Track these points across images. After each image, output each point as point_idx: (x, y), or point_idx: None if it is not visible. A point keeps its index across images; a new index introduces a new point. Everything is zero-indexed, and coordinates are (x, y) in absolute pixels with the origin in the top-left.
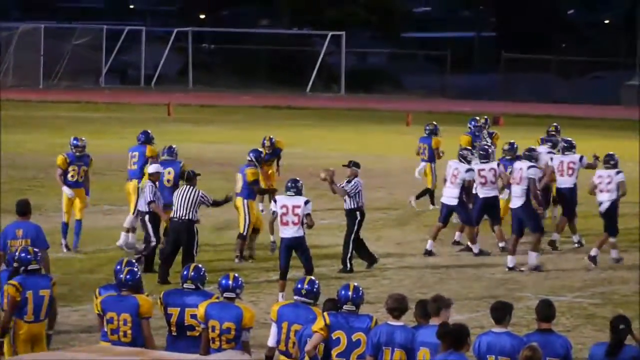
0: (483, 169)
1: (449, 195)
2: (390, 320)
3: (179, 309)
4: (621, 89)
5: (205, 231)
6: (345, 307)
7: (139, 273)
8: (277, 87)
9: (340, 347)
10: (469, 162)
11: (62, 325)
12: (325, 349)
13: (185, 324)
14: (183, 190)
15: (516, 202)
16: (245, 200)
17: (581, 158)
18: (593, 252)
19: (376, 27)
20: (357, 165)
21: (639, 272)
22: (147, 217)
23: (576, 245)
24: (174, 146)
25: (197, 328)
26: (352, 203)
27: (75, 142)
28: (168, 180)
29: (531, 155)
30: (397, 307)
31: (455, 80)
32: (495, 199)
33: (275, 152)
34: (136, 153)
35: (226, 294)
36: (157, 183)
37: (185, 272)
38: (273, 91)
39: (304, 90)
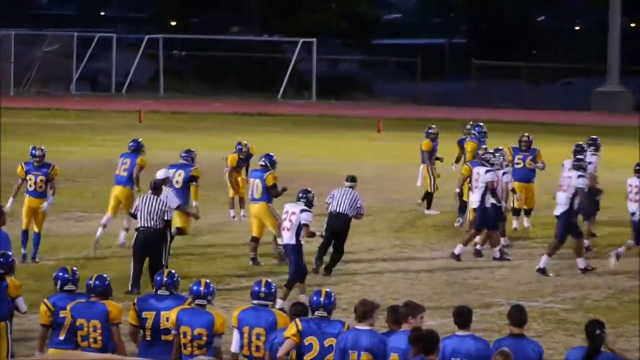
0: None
1: (474, 199)
2: (358, 324)
3: (154, 312)
4: (592, 95)
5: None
6: (317, 312)
7: (108, 279)
8: (249, 93)
9: (313, 353)
10: (492, 165)
11: (30, 332)
12: (298, 355)
13: (161, 327)
14: (147, 199)
15: (560, 209)
16: (269, 205)
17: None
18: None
19: (347, 34)
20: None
21: (607, 279)
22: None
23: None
24: (192, 149)
25: (172, 332)
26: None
27: (33, 151)
28: (177, 182)
29: (580, 165)
30: (362, 310)
31: (426, 87)
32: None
33: (248, 158)
34: (127, 160)
35: (198, 301)
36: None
37: (159, 278)
38: (244, 98)
39: (275, 97)
